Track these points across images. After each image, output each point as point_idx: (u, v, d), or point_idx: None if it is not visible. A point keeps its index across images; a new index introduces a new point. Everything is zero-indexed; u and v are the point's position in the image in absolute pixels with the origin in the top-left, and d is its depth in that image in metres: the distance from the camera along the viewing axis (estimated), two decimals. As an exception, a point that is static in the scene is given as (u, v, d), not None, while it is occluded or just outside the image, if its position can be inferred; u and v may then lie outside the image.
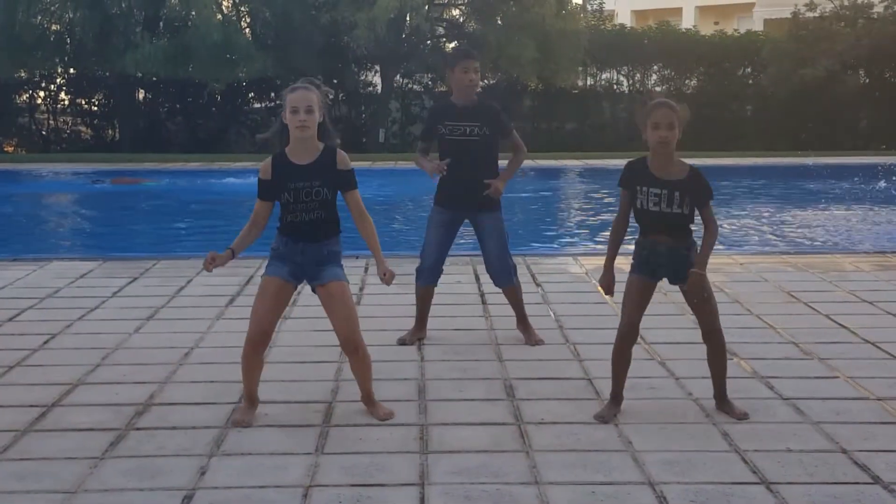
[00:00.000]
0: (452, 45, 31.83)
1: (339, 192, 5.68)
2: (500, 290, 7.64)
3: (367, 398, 5.90)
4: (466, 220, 7.50)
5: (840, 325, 7.89)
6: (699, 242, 5.64)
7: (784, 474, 4.93)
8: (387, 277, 5.68)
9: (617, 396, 5.88)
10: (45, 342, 7.51)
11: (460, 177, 7.18)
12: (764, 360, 6.92)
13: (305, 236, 5.64)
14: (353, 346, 5.76)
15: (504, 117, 7.36)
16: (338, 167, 5.61)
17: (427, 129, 7.48)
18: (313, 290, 5.80)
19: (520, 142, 7.45)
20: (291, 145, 5.62)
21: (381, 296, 8.93)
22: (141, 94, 32.79)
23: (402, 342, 7.46)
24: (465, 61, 7.15)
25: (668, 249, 5.67)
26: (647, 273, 5.74)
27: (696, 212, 5.65)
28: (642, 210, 5.69)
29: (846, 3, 30.55)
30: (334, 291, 5.67)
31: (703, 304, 5.76)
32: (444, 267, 7.56)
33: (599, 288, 5.97)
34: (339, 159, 5.62)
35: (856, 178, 21.12)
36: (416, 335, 7.56)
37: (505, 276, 7.49)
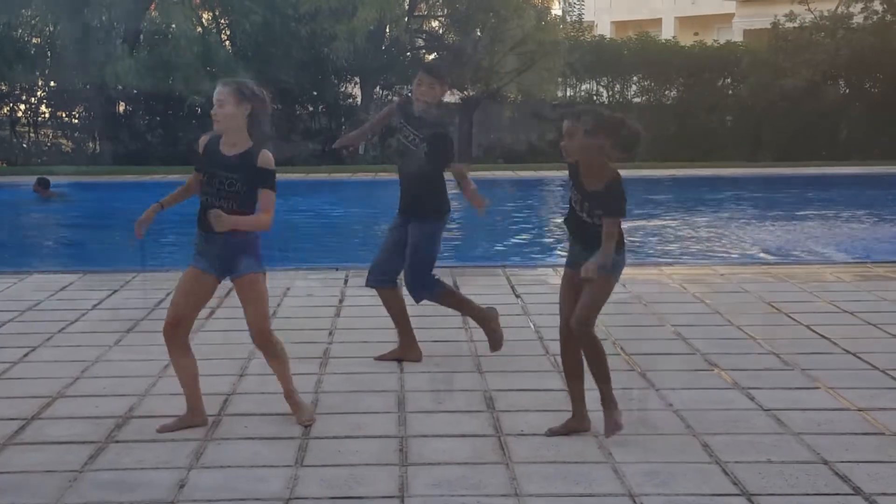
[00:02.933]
0: (432, 56, 31.85)
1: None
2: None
3: (288, 396, 5.98)
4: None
5: (821, 335, 7.90)
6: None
7: (765, 486, 4.93)
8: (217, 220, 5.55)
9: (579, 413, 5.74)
10: (25, 355, 7.48)
11: (401, 181, 7.22)
12: (745, 370, 6.93)
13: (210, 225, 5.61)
14: (262, 340, 5.83)
15: (442, 146, 7.05)
16: (258, 164, 5.68)
17: (383, 115, 7.63)
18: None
19: (463, 172, 7.09)
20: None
21: (360, 307, 8.93)
22: (121, 107, 32.67)
23: (381, 358, 7.25)
24: (420, 74, 7.16)
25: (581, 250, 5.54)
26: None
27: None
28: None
29: (826, 13, 30.63)
30: (244, 284, 5.76)
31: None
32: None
33: None
34: (261, 158, 5.69)
35: (836, 189, 21.17)
36: (401, 354, 7.26)
37: (414, 291, 7.23)
